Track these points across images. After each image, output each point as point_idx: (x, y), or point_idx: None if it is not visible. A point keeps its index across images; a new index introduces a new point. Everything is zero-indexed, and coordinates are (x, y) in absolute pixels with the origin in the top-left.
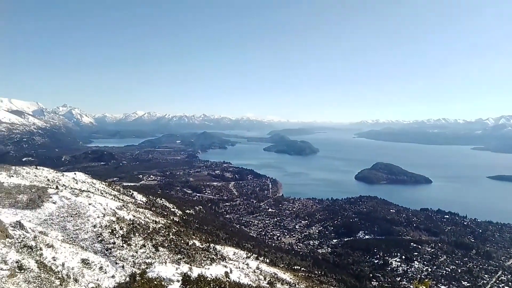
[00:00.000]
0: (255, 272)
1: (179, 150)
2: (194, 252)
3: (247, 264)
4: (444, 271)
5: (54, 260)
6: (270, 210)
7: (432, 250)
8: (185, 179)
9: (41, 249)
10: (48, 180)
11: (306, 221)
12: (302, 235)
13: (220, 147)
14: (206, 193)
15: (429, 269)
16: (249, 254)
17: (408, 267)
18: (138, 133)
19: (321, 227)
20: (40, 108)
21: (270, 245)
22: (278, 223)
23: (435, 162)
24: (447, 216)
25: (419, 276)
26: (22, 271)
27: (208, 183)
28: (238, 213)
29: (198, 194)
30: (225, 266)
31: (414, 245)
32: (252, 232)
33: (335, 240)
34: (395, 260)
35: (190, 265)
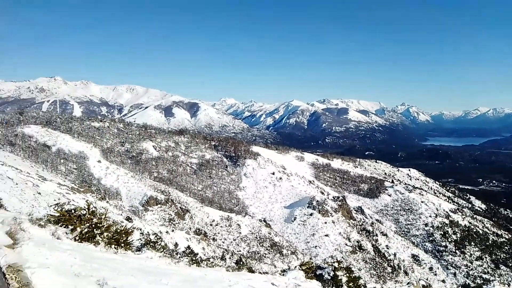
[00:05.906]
0: None
1: None
2: None
3: None
4: None
5: (387, 248)
6: None
7: None
8: None
9: (376, 235)
10: (385, 173)
11: None
12: None
13: None
14: None
15: None
16: None
17: None
18: (480, 131)
19: None
20: (382, 107)
21: None
22: None
23: None
24: None
25: None
26: (361, 250)
27: None
28: None
29: None
30: None
31: None
32: None
33: None
34: None
35: None
